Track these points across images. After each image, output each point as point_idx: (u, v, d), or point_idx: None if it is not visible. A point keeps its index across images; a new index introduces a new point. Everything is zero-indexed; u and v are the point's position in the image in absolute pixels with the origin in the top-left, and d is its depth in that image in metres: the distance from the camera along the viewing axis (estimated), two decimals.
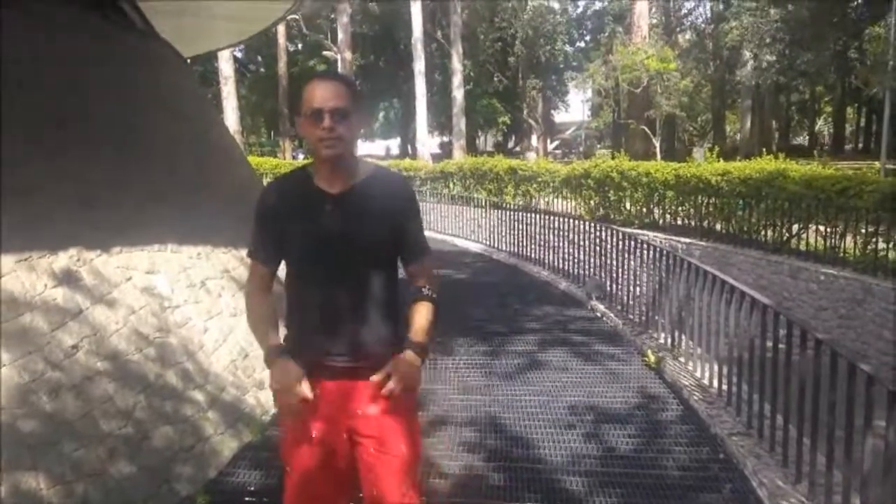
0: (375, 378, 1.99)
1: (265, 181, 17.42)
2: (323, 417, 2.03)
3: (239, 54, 37.00)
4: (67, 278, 3.41)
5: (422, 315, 2.11)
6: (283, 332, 2.13)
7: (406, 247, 2.12)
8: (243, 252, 5.56)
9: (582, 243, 9.12)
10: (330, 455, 2.04)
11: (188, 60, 9.40)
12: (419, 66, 24.01)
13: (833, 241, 9.10)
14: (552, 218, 10.48)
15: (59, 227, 3.56)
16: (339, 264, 2.01)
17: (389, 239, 2.06)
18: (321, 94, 1.97)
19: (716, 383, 4.83)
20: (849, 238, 8.88)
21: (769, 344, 3.93)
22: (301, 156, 33.48)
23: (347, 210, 2.02)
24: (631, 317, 7.09)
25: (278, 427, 2.12)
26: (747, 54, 25.28)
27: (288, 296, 2.11)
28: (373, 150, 44.57)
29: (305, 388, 1.98)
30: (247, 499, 3.49)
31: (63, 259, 3.46)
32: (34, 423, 2.84)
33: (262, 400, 4.47)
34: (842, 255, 8.90)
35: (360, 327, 2.03)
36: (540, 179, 15.29)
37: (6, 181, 3.27)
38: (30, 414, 2.84)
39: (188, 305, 4.31)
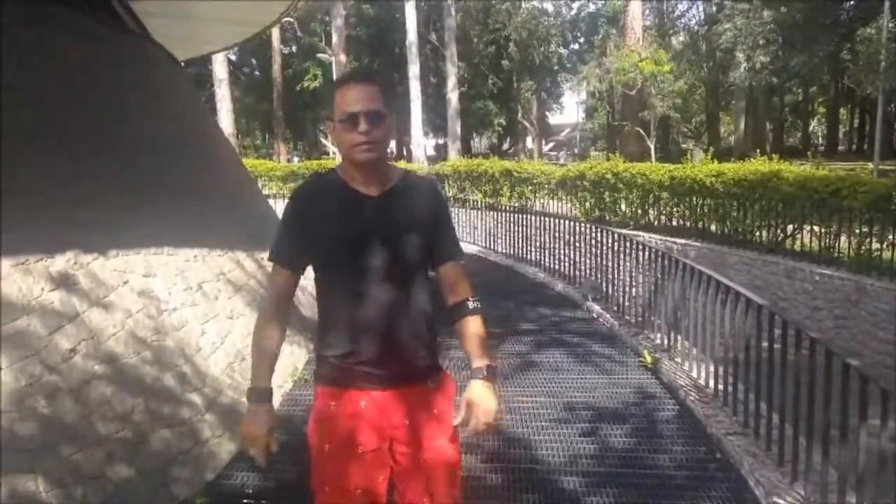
0: (457, 421, 2.01)
1: (260, 184, 17.43)
2: (366, 428, 1.97)
3: (233, 57, 36.96)
4: (64, 282, 3.41)
5: (478, 333, 2.06)
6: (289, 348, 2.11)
7: (444, 247, 2.08)
8: (239, 255, 5.59)
9: (577, 245, 9.13)
10: (372, 466, 1.98)
11: (182, 63, 9.40)
12: (414, 68, 24.01)
13: (827, 241, 9.14)
14: (548, 220, 10.50)
15: (55, 231, 3.56)
16: (379, 268, 1.94)
17: (428, 241, 2.02)
18: (355, 97, 1.89)
19: (712, 383, 4.85)
20: (843, 238, 8.92)
21: (764, 344, 3.95)
22: (296, 159, 33.45)
23: (388, 211, 1.97)
24: (627, 317, 7.11)
25: (309, 449, 2.04)
26: (740, 56, 25.36)
27: (322, 304, 2.03)
28: None
29: (272, 442, 1.96)
30: (244, 501, 3.49)
31: (60, 262, 3.45)
32: (32, 427, 2.84)
33: None
34: (836, 255, 8.94)
35: (402, 334, 1.97)
36: (535, 181, 15.31)
37: (2, 184, 3.27)
38: (28, 417, 2.84)
39: (185, 308, 4.30)
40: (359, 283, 1.94)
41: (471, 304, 2.08)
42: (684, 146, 37.97)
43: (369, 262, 1.94)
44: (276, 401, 4.64)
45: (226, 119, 24.70)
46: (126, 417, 3.32)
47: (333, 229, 1.95)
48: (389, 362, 1.96)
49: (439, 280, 2.11)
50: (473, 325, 2.07)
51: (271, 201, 10.02)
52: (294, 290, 2.08)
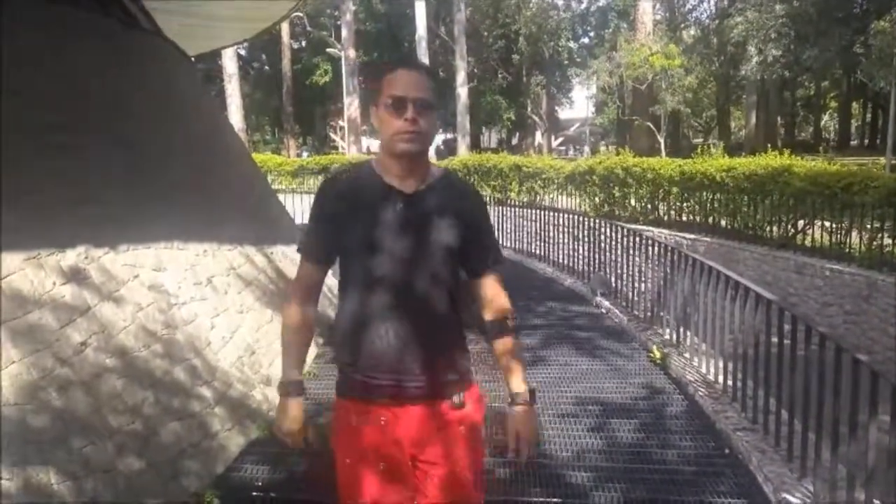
0: (508, 446, 1.92)
1: (270, 179, 17.45)
2: (387, 445, 1.87)
3: (242, 52, 37.03)
4: (75, 276, 3.44)
5: (517, 355, 2.01)
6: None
7: (483, 255, 1.95)
8: (249, 249, 5.61)
9: (587, 240, 9.13)
10: (394, 483, 1.89)
11: (192, 58, 9.43)
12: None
13: (838, 236, 9.09)
14: (557, 215, 10.49)
15: (66, 226, 3.58)
16: (406, 272, 1.82)
17: (463, 245, 1.88)
18: (406, 82, 1.80)
19: (721, 379, 4.84)
20: (854, 234, 8.86)
21: (774, 339, 3.94)
22: (305, 154, 33.49)
23: (423, 211, 1.85)
24: (636, 313, 7.10)
25: (335, 463, 1.98)
26: (752, 50, 25.15)
27: (343, 308, 1.90)
28: (375, 147, 44.57)
29: (298, 438, 1.94)
30: (254, 493, 3.52)
31: (71, 257, 3.48)
32: (44, 420, 2.86)
33: (268, 396, 4.50)
34: (847, 250, 8.89)
35: (431, 344, 1.85)
36: (544, 176, 15.28)
37: (14, 180, 3.29)
38: (39, 410, 2.87)
39: (195, 302, 4.33)
40: (383, 287, 1.82)
41: (510, 323, 2.01)
42: (695, 141, 37.81)
43: (396, 264, 1.82)
44: (277, 397, 4.69)
45: (235, 114, 24.80)
46: (136, 410, 3.34)
47: (361, 226, 1.84)
48: (413, 376, 1.84)
49: (477, 290, 2.00)
50: (512, 347, 2.01)
51: (280, 196, 10.05)
52: (321, 285, 1.99)
